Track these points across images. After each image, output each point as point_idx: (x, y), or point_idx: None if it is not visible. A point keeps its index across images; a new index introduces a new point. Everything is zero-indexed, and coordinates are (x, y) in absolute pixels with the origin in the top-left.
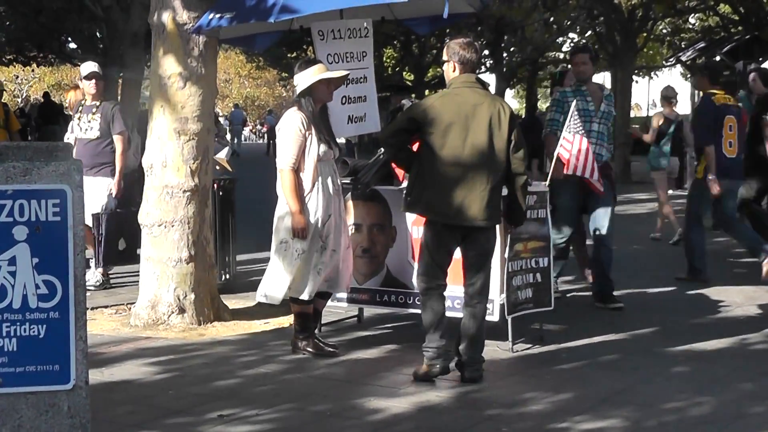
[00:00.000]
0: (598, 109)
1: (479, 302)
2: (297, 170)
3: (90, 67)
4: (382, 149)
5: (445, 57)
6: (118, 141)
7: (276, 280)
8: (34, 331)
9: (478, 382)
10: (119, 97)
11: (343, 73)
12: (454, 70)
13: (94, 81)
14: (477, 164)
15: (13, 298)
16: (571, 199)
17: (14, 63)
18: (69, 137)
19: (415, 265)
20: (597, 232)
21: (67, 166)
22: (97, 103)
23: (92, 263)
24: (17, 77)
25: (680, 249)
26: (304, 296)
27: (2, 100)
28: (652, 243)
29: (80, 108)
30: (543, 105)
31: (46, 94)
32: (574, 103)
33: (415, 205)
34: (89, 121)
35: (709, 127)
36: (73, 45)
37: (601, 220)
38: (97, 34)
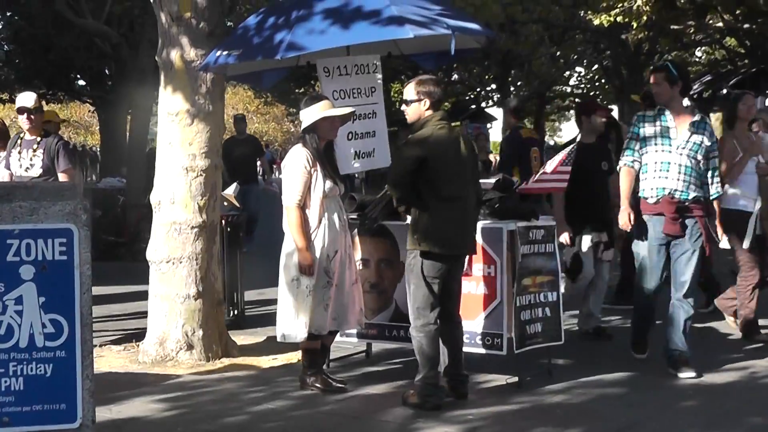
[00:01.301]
0: (681, 138)
1: (458, 316)
2: (303, 207)
3: (22, 99)
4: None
5: (413, 96)
6: (64, 179)
7: (292, 319)
8: (40, 370)
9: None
10: (128, 134)
11: (348, 110)
12: (427, 108)
13: (25, 115)
14: (466, 195)
15: (20, 337)
16: (655, 244)
17: None
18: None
19: None
20: (676, 284)
21: (74, 206)
22: (38, 138)
23: None
24: None
25: None
26: (319, 331)
27: None
28: None
29: (18, 142)
30: (551, 140)
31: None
32: (575, 144)
33: (425, 241)
34: (30, 158)
35: (513, 156)
36: (82, 82)
37: (681, 268)
38: (106, 71)
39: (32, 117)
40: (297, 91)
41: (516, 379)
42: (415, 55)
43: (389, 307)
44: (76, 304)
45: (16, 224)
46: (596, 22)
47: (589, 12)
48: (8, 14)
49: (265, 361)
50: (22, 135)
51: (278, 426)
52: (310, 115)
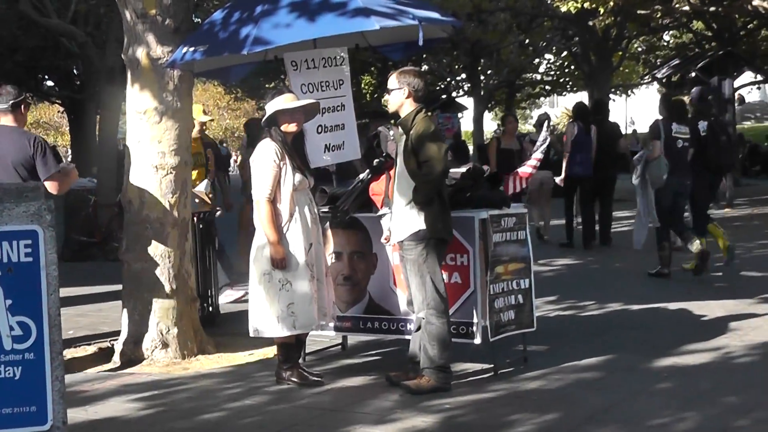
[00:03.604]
0: None
1: None
2: (273, 201)
3: None
4: (361, 176)
5: (395, 85)
6: None
7: (265, 313)
8: (9, 373)
9: None
10: (97, 134)
11: (307, 101)
12: (408, 97)
13: None
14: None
15: None
16: None
17: None
18: None
19: (398, 292)
20: None
21: (38, 207)
22: None
23: None
24: None
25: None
26: (305, 329)
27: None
28: (633, 260)
29: None
30: (523, 127)
31: None
32: (545, 126)
33: (440, 229)
34: None
35: None
36: (50, 83)
37: None
38: (74, 70)
39: None
40: (267, 86)
41: (491, 366)
42: (382, 46)
43: (363, 300)
44: (43, 305)
45: None
46: (563, 8)
47: None
48: None
49: (241, 357)
50: None
51: (255, 421)
52: (269, 108)
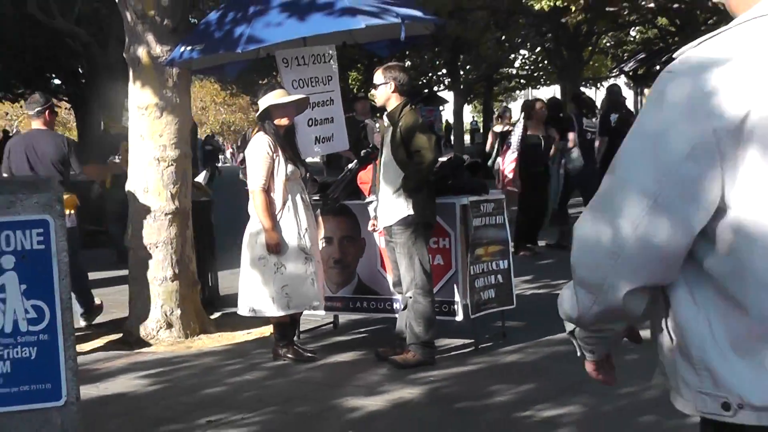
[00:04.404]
0: None
1: None
2: (267, 190)
3: None
4: (350, 166)
5: (381, 80)
6: None
7: (261, 294)
8: (26, 353)
9: None
10: (102, 129)
11: (297, 97)
12: (393, 91)
13: None
14: None
15: (5, 323)
16: None
17: (2, 101)
18: None
19: (387, 276)
20: None
21: (49, 198)
22: None
23: None
24: (7, 114)
25: None
26: (298, 308)
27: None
28: None
29: None
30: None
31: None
32: (520, 122)
33: (428, 214)
34: None
35: None
36: (57, 81)
37: None
38: (79, 69)
39: None
40: (260, 81)
41: (472, 342)
42: (369, 43)
43: (352, 281)
44: (55, 290)
45: None
46: (537, 6)
47: None
48: None
49: (240, 336)
50: None
51: (254, 395)
52: (261, 104)
